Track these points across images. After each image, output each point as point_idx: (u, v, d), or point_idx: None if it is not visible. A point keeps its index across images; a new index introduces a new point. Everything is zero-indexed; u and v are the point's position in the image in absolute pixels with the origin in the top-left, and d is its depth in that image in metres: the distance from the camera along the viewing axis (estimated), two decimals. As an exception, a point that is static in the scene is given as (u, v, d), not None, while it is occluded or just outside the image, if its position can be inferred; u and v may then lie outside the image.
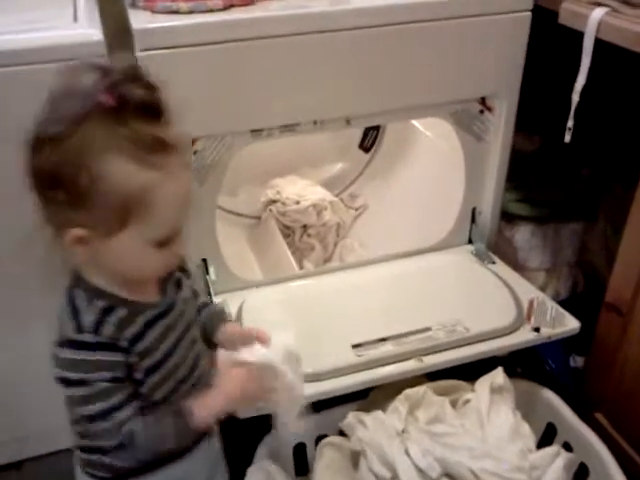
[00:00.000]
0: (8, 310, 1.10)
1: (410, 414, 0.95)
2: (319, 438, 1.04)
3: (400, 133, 1.58)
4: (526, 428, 0.94)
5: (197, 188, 1.10)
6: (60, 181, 0.61)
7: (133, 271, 0.67)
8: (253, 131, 1.10)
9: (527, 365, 1.47)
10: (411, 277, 1.27)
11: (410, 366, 1.04)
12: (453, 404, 0.99)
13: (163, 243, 0.65)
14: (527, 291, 1.22)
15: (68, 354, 0.65)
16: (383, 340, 1.08)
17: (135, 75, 0.62)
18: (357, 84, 1.10)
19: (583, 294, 1.59)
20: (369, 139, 1.70)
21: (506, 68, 1.18)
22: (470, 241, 1.39)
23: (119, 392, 0.66)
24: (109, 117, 0.59)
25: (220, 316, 0.86)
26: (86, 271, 0.68)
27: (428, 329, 1.09)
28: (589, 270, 1.60)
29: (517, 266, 1.52)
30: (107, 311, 0.66)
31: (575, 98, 1.11)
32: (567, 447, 1.08)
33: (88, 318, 0.65)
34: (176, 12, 0.98)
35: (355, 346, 1.07)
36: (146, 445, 0.67)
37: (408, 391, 0.97)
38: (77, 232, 0.62)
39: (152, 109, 0.62)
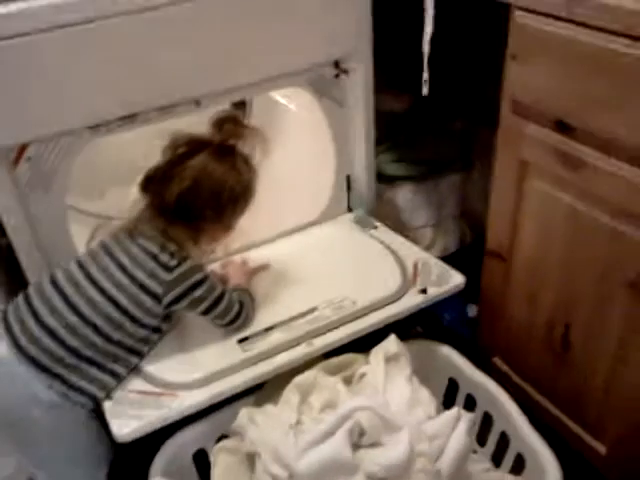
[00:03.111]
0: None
1: (303, 402, 0.89)
2: (220, 440, 0.98)
3: (265, 110, 1.51)
4: (425, 394, 0.91)
5: (42, 196, 1.00)
6: None
7: None
8: (90, 128, 0.99)
9: (426, 322, 1.48)
10: (295, 256, 1.21)
11: (300, 352, 0.99)
12: (348, 381, 0.95)
13: None
14: (411, 253, 1.20)
15: None
16: (270, 329, 1.02)
17: None
18: (197, 61, 1.02)
19: (471, 245, 1.61)
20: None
21: (355, 28, 1.14)
22: (350, 209, 1.36)
23: None
24: None
25: None
26: None
27: (315, 309, 1.05)
28: (473, 220, 1.62)
29: (403, 227, 1.51)
30: None
31: (426, 49, 1.08)
32: (470, 398, 1.10)
33: None
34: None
35: (241, 341, 1.01)
36: None
37: (297, 379, 0.92)
38: None
39: None
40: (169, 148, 0.96)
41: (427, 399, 0.90)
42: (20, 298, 0.94)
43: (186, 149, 0.95)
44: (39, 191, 1.00)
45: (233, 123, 0.98)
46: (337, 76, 1.18)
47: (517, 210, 1.07)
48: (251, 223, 1.34)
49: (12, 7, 0.86)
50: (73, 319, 0.89)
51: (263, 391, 1.03)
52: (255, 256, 1.22)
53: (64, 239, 1.06)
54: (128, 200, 1.51)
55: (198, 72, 1.03)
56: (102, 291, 0.91)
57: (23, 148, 0.95)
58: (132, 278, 0.92)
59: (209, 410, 0.99)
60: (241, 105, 1.60)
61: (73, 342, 0.88)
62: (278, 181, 1.41)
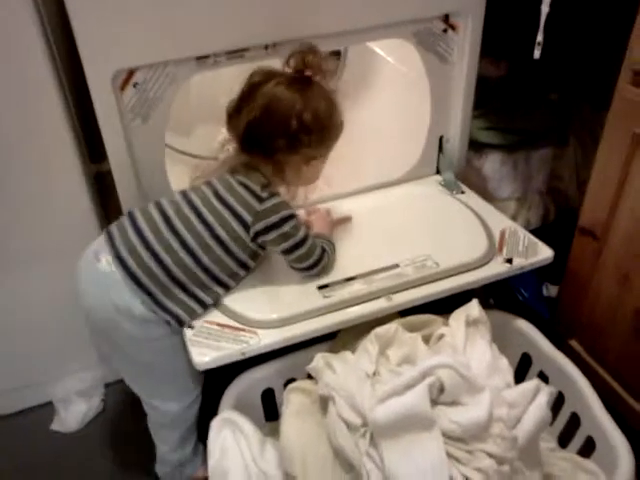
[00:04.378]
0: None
1: (381, 354, 0.89)
2: (288, 382, 1.00)
3: (361, 61, 1.48)
4: (504, 362, 0.89)
5: (142, 125, 1.02)
6: None
7: None
8: (198, 58, 1.00)
9: (500, 296, 1.45)
10: (379, 212, 1.20)
11: (379, 305, 0.99)
12: (426, 340, 0.94)
13: None
14: (498, 221, 1.17)
15: None
16: (351, 279, 1.02)
17: None
18: (310, 2, 1.00)
19: (554, 222, 1.56)
20: (329, 69, 1.60)
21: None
22: (438, 172, 1.33)
23: None
24: None
25: None
26: None
27: (396, 266, 1.04)
28: (560, 198, 1.57)
29: (487, 196, 1.47)
30: None
31: (545, 9, 1.03)
32: (542, 376, 1.07)
33: None
34: None
35: (321, 287, 1.01)
36: None
37: (378, 330, 0.92)
38: None
39: None
40: (244, 82, 0.97)
41: (506, 367, 0.88)
42: (124, 217, 0.98)
43: (258, 80, 0.96)
44: (140, 119, 1.02)
45: (302, 53, 0.96)
46: (445, 31, 1.14)
47: (621, 187, 1.02)
48: (337, 173, 1.34)
49: None
50: (171, 238, 0.93)
51: (337, 340, 1.04)
52: (339, 208, 1.21)
53: (160, 171, 1.08)
54: (216, 140, 1.55)
55: (308, 13, 1.01)
56: (198, 215, 0.95)
57: (131, 73, 0.97)
58: (225, 204, 0.95)
59: (279, 353, 1.01)
60: (336, 54, 1.58)
61: (168, 261, 0.92)
62: (368, 134, 1.40)
